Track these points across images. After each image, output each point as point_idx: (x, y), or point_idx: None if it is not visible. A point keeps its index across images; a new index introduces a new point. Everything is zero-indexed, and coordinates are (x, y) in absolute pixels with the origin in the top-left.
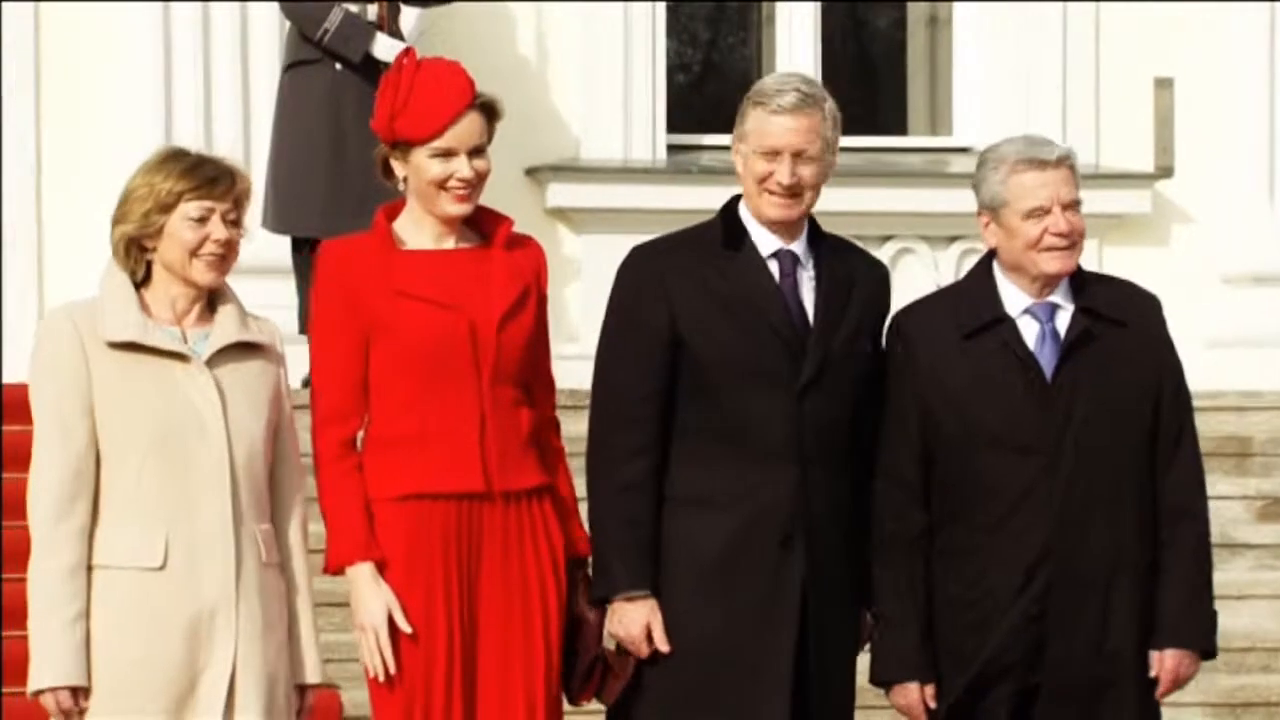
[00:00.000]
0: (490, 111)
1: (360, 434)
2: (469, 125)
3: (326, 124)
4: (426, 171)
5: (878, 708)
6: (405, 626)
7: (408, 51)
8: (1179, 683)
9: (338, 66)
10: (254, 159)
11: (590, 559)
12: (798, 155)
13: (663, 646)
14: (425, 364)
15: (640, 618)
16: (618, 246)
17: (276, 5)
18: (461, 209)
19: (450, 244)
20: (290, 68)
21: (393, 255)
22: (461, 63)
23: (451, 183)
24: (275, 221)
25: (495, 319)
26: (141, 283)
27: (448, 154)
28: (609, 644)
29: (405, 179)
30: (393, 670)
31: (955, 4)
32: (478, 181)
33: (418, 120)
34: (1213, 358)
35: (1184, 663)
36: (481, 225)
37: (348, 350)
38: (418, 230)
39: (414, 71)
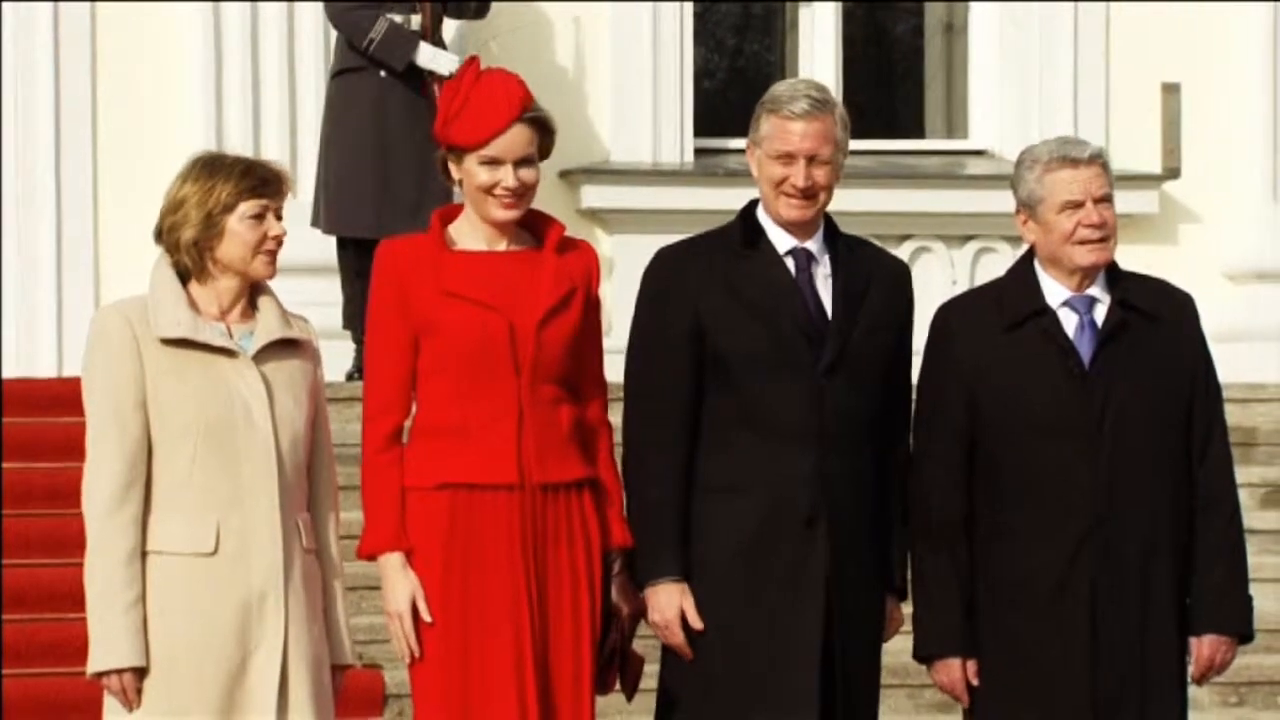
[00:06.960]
0: (541, 126)
1: (407, 425)
2: (516, 137)
3: (373, 129)
4: (475, 177)
5: (923, 686)
6: (427, 615)
7: (472, 60)
8: (1217, 668)
9: (383, 74)
10: (300, 161)
11: (625, 550)
12: (811, 159)
13: (696, 624)
14: (467, 361)
15: (673, 602)
16: (648, 246)
17: (322, 14)
18: (507, 215)
19: (502, 246)
20: (338, 75)
21: (443, 256)
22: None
23: (497, 190)
24: (327, 223)
25: (536, 320)
26: (188, 280)
27: (494, 162)
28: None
29: (460, 181)
30: (418, 655)
31: (971, 11)
32: (524, 191)
33: (468, 128)
34: (1218, 352)
35: (1220, 648)
36: (535, 229)
37: (397, 347)
38: (472, 232)
39: (473, 80)
